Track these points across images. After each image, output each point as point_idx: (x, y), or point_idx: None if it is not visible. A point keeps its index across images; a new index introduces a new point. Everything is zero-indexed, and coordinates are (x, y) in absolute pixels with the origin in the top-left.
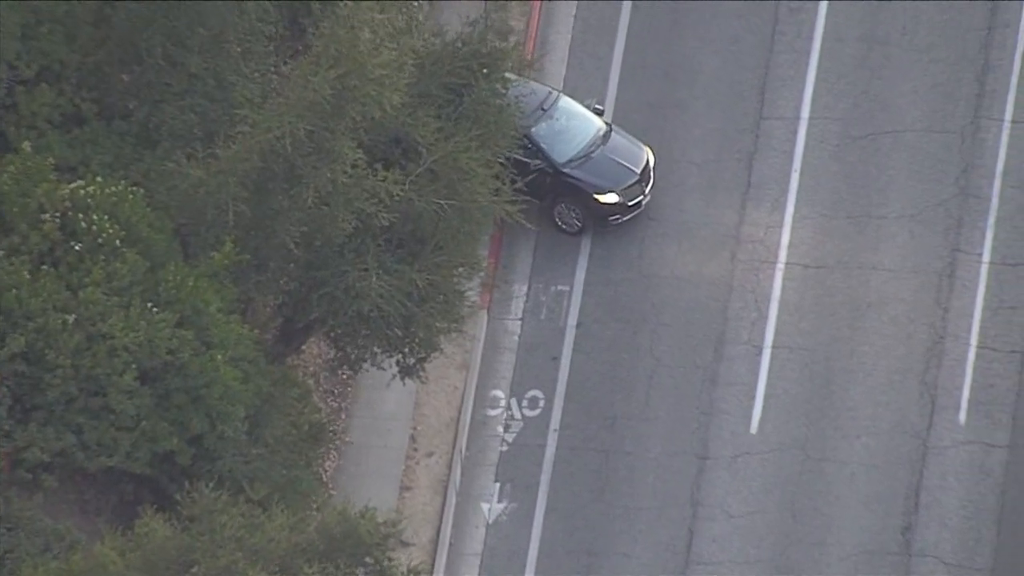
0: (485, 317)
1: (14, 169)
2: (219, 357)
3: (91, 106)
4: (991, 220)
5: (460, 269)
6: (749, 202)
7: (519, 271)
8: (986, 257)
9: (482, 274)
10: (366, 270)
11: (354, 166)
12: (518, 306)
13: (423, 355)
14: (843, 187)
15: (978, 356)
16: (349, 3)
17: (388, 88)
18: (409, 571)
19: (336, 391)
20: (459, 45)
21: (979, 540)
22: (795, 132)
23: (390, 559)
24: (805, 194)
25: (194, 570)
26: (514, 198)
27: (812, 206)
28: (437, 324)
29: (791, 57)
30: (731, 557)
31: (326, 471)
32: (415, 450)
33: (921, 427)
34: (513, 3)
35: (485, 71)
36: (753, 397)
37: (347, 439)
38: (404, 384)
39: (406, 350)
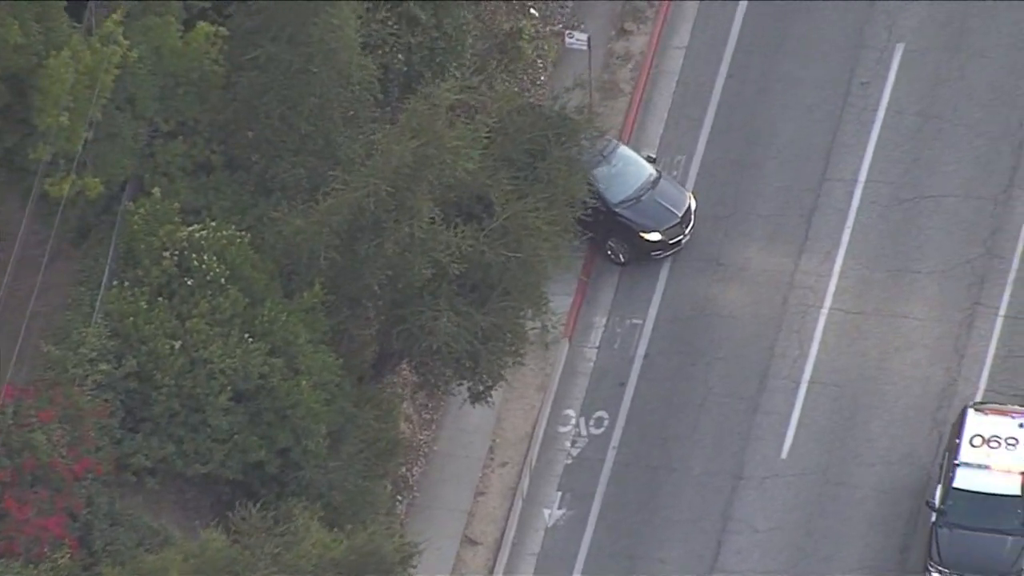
0: (567, 345)
1: (144, 211)
2: (304, 382)
3: (219, 157)
4: (1011, 278)
5: (526, 311)
6: (804, 253)
7: (601, 305)
8: (1003, 311)
9: (547, 314)
10: (439, 311)
11: (431, 222)
12: (596, 336)
13: (490, 384)
14: (887, 243)
15: (984, 398)
16: (436, 84)
17: (462, 156)
18: None
19: (429, 405)
20: (538, 117)
21: None
22: (852, 193)
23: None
24: (854, 248)
25: None
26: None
27: (858, 259)
28: (500, 360)
29: (856, 126)
30: (751, 567)
31: (412, 475)
32: (492, 459)
33: (927, 459)
34: (624, 67)
35: (561, 140)
36: (787, 426)
37: (435, 448)
38: (474, 407)
39: (475, 379)
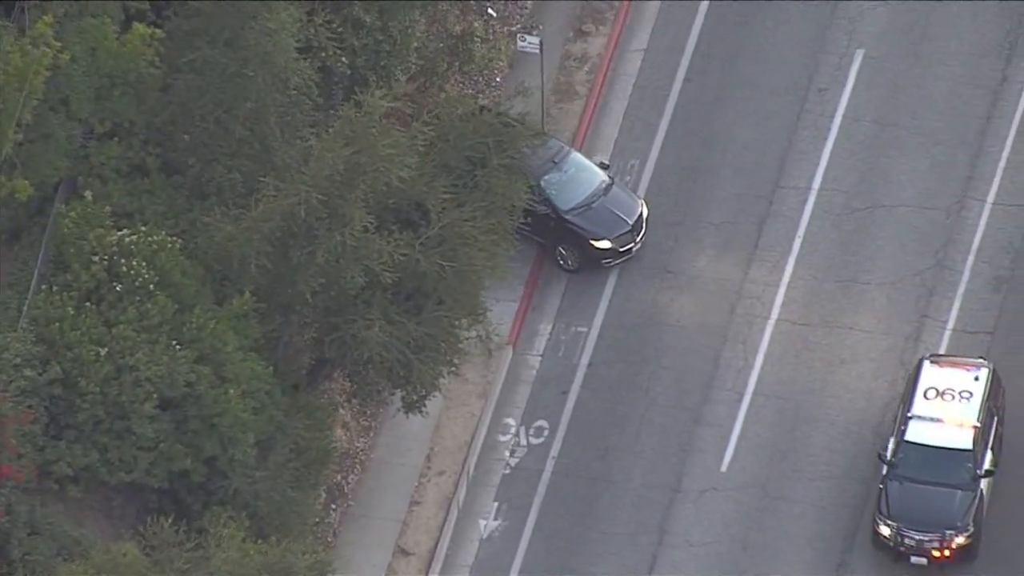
0: (511, 352)
1: (75, 215)
2: (231, 391)
3: (155, 160)
4: (960, 291)
5: (462, 321)
6: (754, 262)
7: (547, 312)
8: (950, 324)
9: (483, 323)
10: (371, 320)
11: (364, 230)
12: (541, 343)
13: (423, 394)
14: (837, 253)
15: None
16: (372, 92)
17: (396, 164)
18: None
19: (367, 412)
20: (480, 124)
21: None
22: (805, 201)
23: None
24: (804, 258)
25: None
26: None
27: (808, 269)
28: (434, 370)
29: (812, 133)
30: None
31: (348, 483)
32: (429, 468)
33: (868, 474)
34: (580, 69)
35: (502, 147)
36: (728, 438)
37: (372, 455)
38: (408, 417)
39: (409, 389)
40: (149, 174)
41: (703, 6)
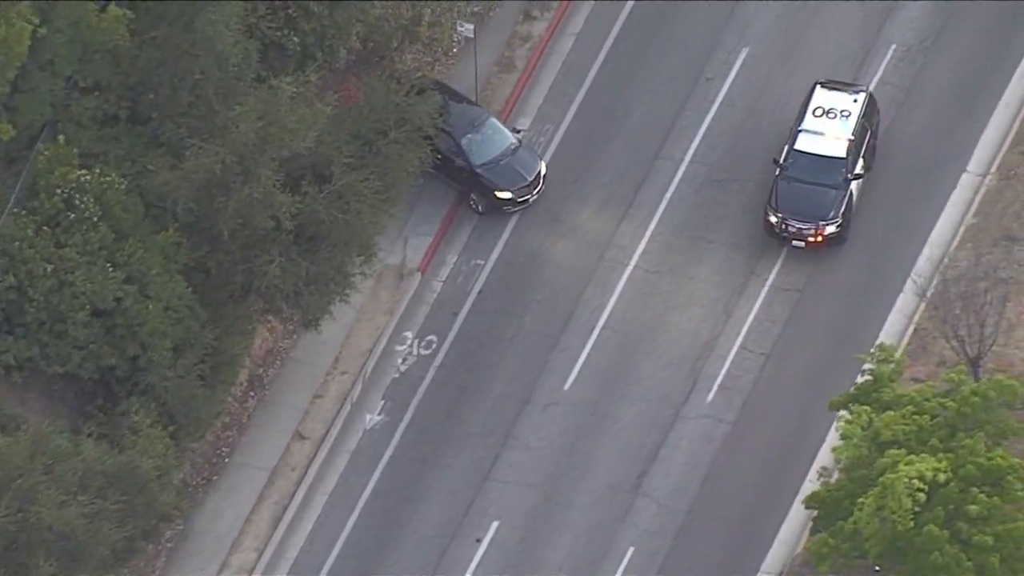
0: (419, 277)
1: (49, 154)
2: (152, 306)
3: (125, 112)
4: (783, 254)
5: (355, 259)
6: (626, 218)
7: (456, 245)
8: (770, 281)
9: (373, 262)
10: (271, 258)
11: (272, 185)
12: (445, 271)
13: (317, 315)
14: (693, 215)
15: (737, 354)
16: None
17: (299, 136)
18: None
19: (295, 318)
20: (387, 103)
21: (687, 490)
22: (676, 171)
23: (162, 493)
24: (666, 217)
25: (17, 482)
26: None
27: (667, 226)
28: (324, 298)
29: (694, 114)
30: (517, 479)
31: (267, 376)
32: (335, 368)
33: (679, 400)
34: (523, 46)
35: (401, 123)
36: (575, 363)
37: (292, 354)
38: (319, 332)
39: (303, 311)
40: (119, 123)
41: (629, 4)
